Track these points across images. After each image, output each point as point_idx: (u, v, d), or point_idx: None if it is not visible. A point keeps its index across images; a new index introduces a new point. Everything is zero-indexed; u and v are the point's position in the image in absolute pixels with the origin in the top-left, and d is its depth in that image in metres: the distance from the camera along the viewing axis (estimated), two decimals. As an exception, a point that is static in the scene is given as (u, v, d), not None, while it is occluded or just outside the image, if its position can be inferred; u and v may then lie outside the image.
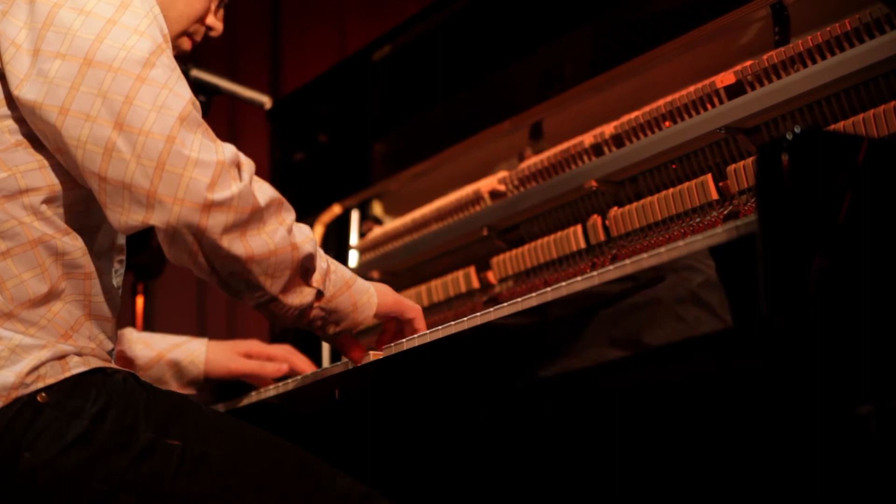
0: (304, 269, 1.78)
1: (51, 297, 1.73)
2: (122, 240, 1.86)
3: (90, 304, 1.78)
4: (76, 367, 1.69)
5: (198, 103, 1.73)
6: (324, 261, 1.82)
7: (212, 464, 1.71)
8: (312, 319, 1.83)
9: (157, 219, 1.67)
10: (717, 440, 1.87)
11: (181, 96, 1.69)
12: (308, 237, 1.78)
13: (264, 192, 1.74)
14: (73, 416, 1.66)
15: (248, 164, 1.73)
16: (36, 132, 1.73)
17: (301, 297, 1.79)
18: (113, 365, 1.76)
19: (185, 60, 2.05)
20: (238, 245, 1.69)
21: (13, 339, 1.68)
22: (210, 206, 1.66)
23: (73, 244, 1.76)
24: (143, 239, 2.96)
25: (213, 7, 1.99)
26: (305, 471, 1.79)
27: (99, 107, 1.67)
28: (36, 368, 1.67)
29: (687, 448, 1.92)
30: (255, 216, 1.70)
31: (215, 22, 2.01)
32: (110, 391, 1.69)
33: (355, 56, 2.90)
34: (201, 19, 1.98)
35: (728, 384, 1.69)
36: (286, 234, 1.74)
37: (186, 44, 1.99)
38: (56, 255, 1.74)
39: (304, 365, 2.33)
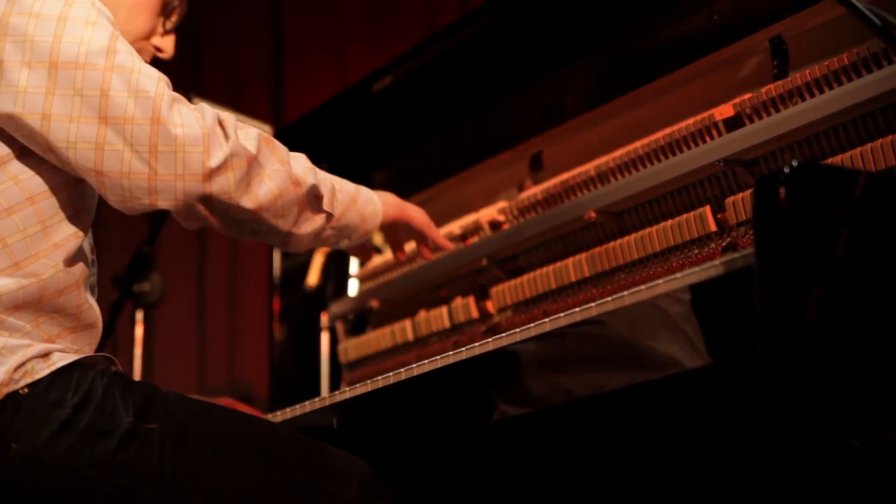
0: (310, 199, 1.87)
1: (37, 304, 1.76)
2: (90, 241, 1.88)
3: (75, 313, 1.81)
4: (59, 361, 1.72)
5: (166, 77, 1.78)
6: (328, 181, 1.92)
7: (191, 442, 1.74)
8: (325, 239, 1.95)
9: (163, 200, 1.75)
10: (715, 471, 1.87)
11: (151, 76, 1.75)
12: (307, 168, 1.88)
13: (251, 137, 1.81)
14: (54, 405, 1.69)
15: (229, 119, 1.80)
16: (19, 139, 1.75)
17: (313, 223, 1.90)
18: (89, 354, 1.79)
19: (188, 89, 2.07)
20: (246, 199, 1.78)
21: None
22: (210, 174, 1.74)
23: (55, 255, 1.78)
24: (144, 268, 2.97)
25: (159, 28, 2.01)
26: (280, 436, 1.83)
27: (79, 106, 1.72)
28: (22, 365, 1.70)
29: (683, 479, 1.92)
30: (253, 165, 1.79)
31: (163, 43, 2.03)
32: (89, 381, 1.72)
33: (357, 86, 2.92)
34: (146, 37, 1.99)
35: (724, 417, 1.69)
36: (286, 172, 1.83)
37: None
38: (56, 255, 1.77)
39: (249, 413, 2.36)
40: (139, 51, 1.98)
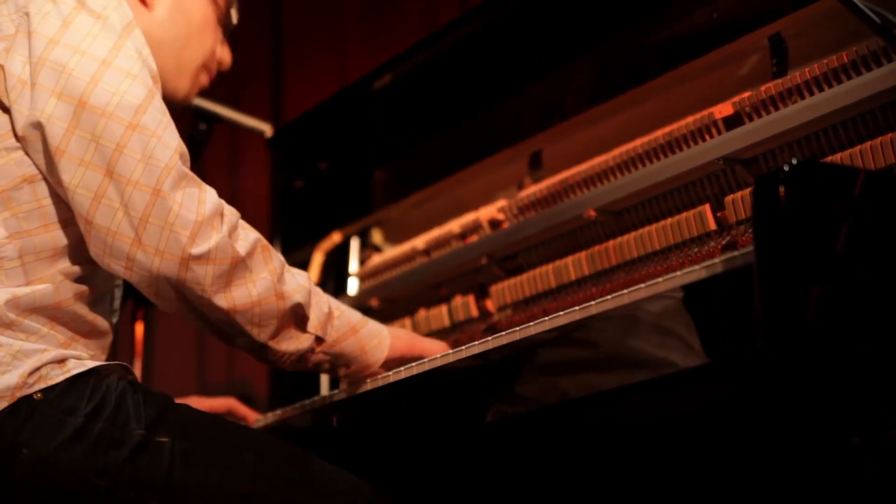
0: (296, 317, 1.82)
1: (53, 308, 1.76)
2: None
3: (90, 319, 1.82)
4: (74, 368, 1.72)
5: (185, 151, 1.77)
6: (325, 306, 1.86)
7: (201, 459, 1.74)
8: (318, 363, 1.88)
9: (137, 271, 1.73)
10: (715, 470, 1.87)
11: (169, 146, 1.74)
12: (299, 286, 1.82)
13: (248, 239, 1.78)
14: (68, 413, 1.69)
15: (230, 215, 1.77)
16: (37, 165, 1.76)
17: (297, 343, 1.84)
18: (105, 363, 1.79)
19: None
20: (220, 297, 1.75)
21: (14, 345, 1.71)
22: (188, 260, 1.71)
23: (85, 267, 1.80)
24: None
25: (219, 39, 2.03)
26: (291, 458, 1.82)
27: (92, 152, 1.72)
28: (38, 369, 1.70)
29: (682, 479, 1.92)
30: (238, 266, 1.75)
31: (223, 53, 2.05)
32: (104, 391, 1.72)
33: (356, 84, 2.92)
34: (213, 53, 2.02)
35: (725, 415, 1.69)
36: (272, 283, 1.78)
37: (205, 79, 2.03)
38: (65, 275, 1.77)
39: (249, 414, 2.35)
40: (208, 67, 2.00)
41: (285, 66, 4.62)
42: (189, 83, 2.01)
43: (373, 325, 1.93)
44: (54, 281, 1.77)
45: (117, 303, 1.93)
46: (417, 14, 4.02)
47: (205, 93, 2.17)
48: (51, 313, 1.76)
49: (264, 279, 1.77)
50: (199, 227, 1.71)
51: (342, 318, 1.89)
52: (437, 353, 1.94)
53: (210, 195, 1.75)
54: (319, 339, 1.86)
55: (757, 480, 1.65)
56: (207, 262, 1.72)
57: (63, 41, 1.74)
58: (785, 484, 1.44)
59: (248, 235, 1.78)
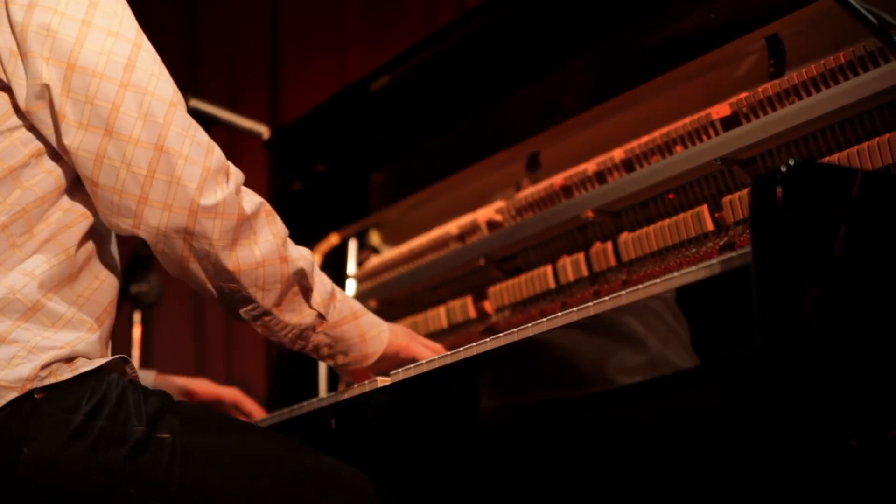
0: (300, 286, 1.81)
1: (71, 281, 1.77)
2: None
3: (103, 293, 1.82)
4: (82, 367, 1.73)
5: (181, 100, 1.77)
6: (328, 285, 1.86)
7: (201, 454, 1.74)
8: (317, 345, 1.87)
9: (146, 227, 1.73)
10: (714, 470, 1.87)
11: (164, 100, 1.74)
12: (303, 254, 1.82)
13: (254, 202, 1.78)
14: (69, 411, 1.69)
15: (235, 174, 1.78)
16: (44, 136, 1.76)
17: (300, 316, 1.82)
18: (109, 358, 1.78)
19: (185, 89, 2.06)
20: (226, 255, 1.74)
21: (31, 340, 1.71)
22: (197, 211, 1.71)
23: (93, 247, 1.80)
24: (142, 269, 2.97)
25: None
26: (291, 452, 1.82)
27: (89, 114, 1.72)
28: (49, 365, 1.70)
29: (682, 479, 1.92)
30: (244, 225, 1.75)
31: None
32: (104, 388, 1.72)
33: (354, 86, 2.92)
34: None
35: (723, 416, 1.69)
36: (276, 246, 1.78)
37: None
38: (79, 247, 1.77)
39: (254, 408, 2.35)
40: None
41: (283, 67, 4.61)
42: None
43: (372, 317, 1.93)
44: (68, 254, 1.76)
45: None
46: (417, 14, 4.03)
47: (202, 93, 2.17)
48: (71, 289, 1.76)
49: (269, 241, 1.77)
50: (205, 180, 1.72)
51: (344, 302, 1.88)
52: (430, 355, 1.93)
53: (215, 148, 1.76)
54: (321, 318, 1.84)
55: (756, 481, 1.64)
56: (216, 216, 1.72)
57: (41, 4, 1.74)
58: (784, 485, 1.44)
59: (252, 198, 1.79)
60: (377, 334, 1.91)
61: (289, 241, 1.81)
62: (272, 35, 4.65)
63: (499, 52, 2.51)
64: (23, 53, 1.73)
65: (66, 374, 1.70)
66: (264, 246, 1.77)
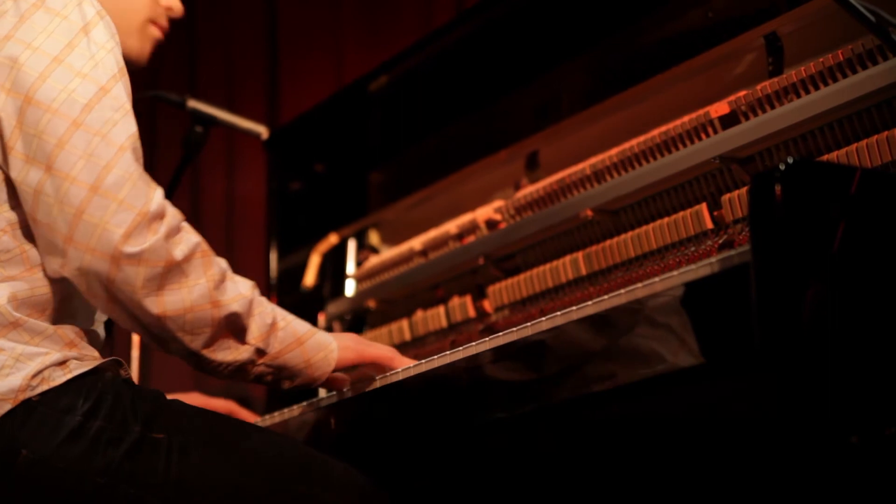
0: (232, 327, 1.77)
1: (55, 303, 1.76)
2: None
3: (87, 313, 1.81)
4: (76, 369, 1.72)
5: (138, 147, 1.73)
6: (268, 316, 1.81)
7: (195, 453, 1.74)
8: (259, 375, 1.83)
9: (69, 268, 1.70)
10: (711, 468, 1.87)
11: (113, 144, 1.70)
12: (240, 295, 1.77)
13: (188, 242, 1.73)
14: (65, 412, 1.68)
15: (171, 217, 1.72)
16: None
17: (234, 353, 1.79)
18: (102, 360, 1.78)
19: (182, 90, 2.06)
20: (151, 301, 1.70)
21: (16, 348, 1.71)
22: (120, 258, 1.67)
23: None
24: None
25: None
26: (285, 448, 1.82)
27: (35, 148, 1.70)
28: (40, 372, 1.69)
29: (677, 478, 1.92)
30: (173, 271, 1.71)
31: (170, 1, 2.01)
32: (100, 389, 1.72)
33: (352, 86, 2.92)
34: (156, 2, 1.98)
35: (721, 415, 1.69)
36: (208, 290, 1.73)
37: (156, 31, 1.99)
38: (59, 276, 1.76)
39: (248, 418, 2.35)
40: (157, 17, 1.97)
41: (281, 67, 4.62)
42: (137, 40, 1.96)
43: (320, 337, 1.87)
44: (46, 287, 1.76)
45: None
46: (413, 13, 4.03)
47: (200, 94, 2.17)
48: (52, 308, 1.76)
49: (200, 286, 1.73)
50: (135, 227, 1.68)
51: (287, 329, 1.83)
52: (386, 358, 1.91)
53: (156, 195, 1.71)
54: (261, 351, 1.80)
55: (754, 479, 1.65)
56: (139, 263, 1.68)
57: (16, 36, 1.73)
58: (784, 482, 1.45)
59: (188, 239, 1.74)
60: (324, 357, 1.86)
61: (226, 282, 1.76)
62: (270, 35, 4.66)
63: (497, 51, 2.51)
64: None
65: (59, 377, 1.70)
66: (195, 290, 1.72)
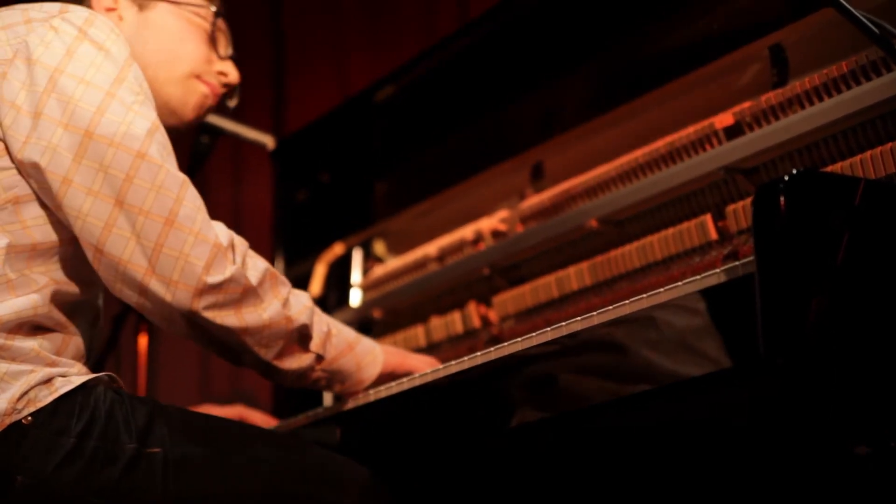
0: (300, 337, 1.86)
1: (39, 330, 1.77)
2: None
3: (77, 333, 1.82)
4: (62, 387, 1.72)
5: (188, 181, 1.78)
6: (324, 325, 1.90)
7: (192, 463, 1.75)
8: (315, 380, 1.92)
9: (150, 300, 1.75)
10: (717, 478, 1.87)
11: (177, 178, 1.76)
12: (304, 307, 1.86)
13: (258, 268, 1.81)
14: (59, 434, 1.68)
15: (240, 245, 1.80)
16: (36, 190, 1.76)
17: (299, 361, 1.87)
18: (91, 376, 1.77)
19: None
20: (232, 318, 1.77)
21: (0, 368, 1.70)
22: (203, 289, 1.74)
23: (68, 284, 1.80)
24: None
25: (213, 56, 2.03)
26: (283, 449, 1.84)
27: (101, 182, 1.73)
28: (25, 393, 1.69)
29: (685, 486, 1.92)
30: (248, 294, 1.78)
31: (225, 67, 2.06)
32: (92, 407, 1.72)
33: (358, 96, 2.92)
34: (207, 61, 2.01)
35: (726, 425, 1.70)
36: (281, 307, 1.82)
37: (202, 87, 2.02)
38: (47, 291, 1.77)
39: (260, 420, 2.36)
40: (204, 76, 2.03)
41: (286, 77, 4.62)
42: (180, 90, 2.00)
43: (367, 342, 1.98)
44: (40, 293, 1.76)
45: (101, 315, 1.93)
46: (417, 21, 4.03)
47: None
48: (36, 330, 1.76)
49: (274, 305, 1.81)
50: (215, 258, 1.74)
51: (339, 336, 1.93)
52: (427, 366, 1.99)
53: (220, 226, 1.78)
54: (319, 357, 1.89)
55: (761, 488, 1.65)
56: (219, 292, 1.75)
57: (68, 71, 1.76)
58: (791, 490, 1.45)
59: (256, 265, 1.81)
60: (372, 360, 1.97)
61: (290, 298, 1.85)
62: (274, 45, 4.67)
63: (502, 61, 2.51)
64: (37, 114, 1.74)
65: (46, 398, 1.70)
66: (270, 310, 1.81)
